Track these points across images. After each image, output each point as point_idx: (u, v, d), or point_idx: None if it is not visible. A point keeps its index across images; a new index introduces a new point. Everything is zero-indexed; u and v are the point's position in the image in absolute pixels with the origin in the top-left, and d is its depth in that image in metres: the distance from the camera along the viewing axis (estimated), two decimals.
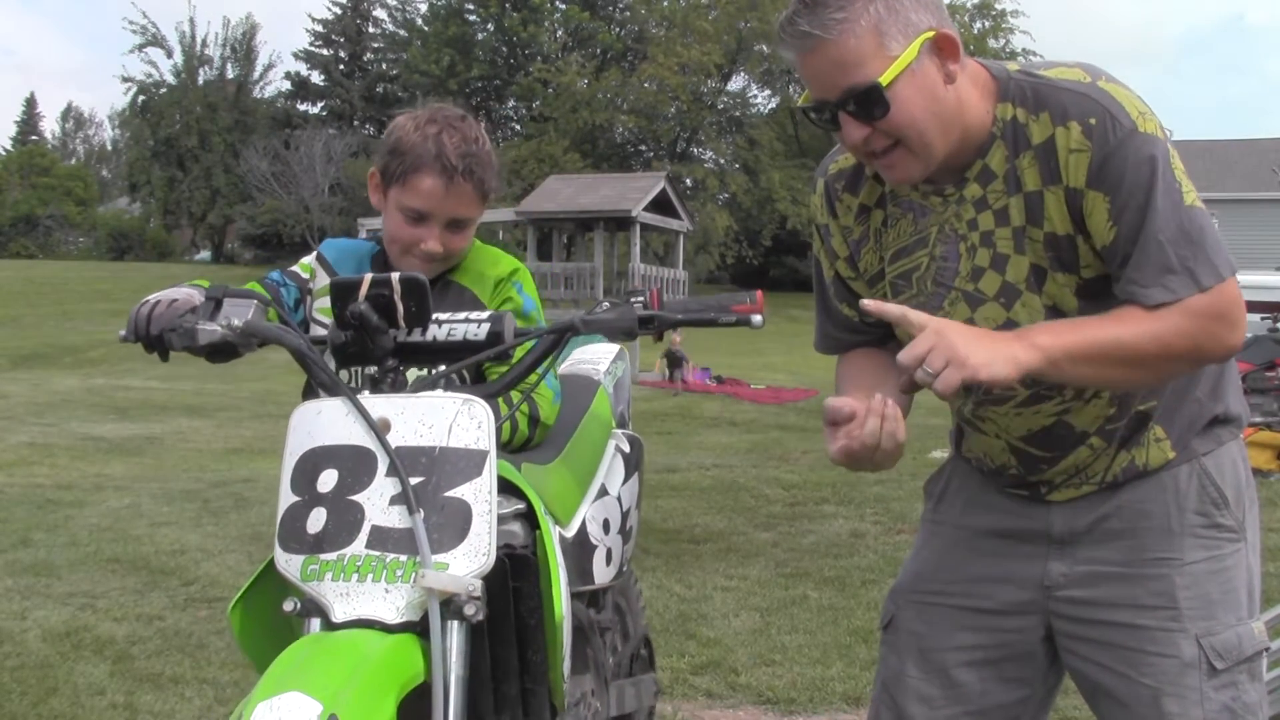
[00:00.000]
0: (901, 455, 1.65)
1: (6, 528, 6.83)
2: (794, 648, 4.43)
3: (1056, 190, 1.66)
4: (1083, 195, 1.64)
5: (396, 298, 1.74)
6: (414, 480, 1.61)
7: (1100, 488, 1.80)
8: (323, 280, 2.27)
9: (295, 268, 2.31)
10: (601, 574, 2.25)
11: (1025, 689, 1.89)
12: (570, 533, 2.14)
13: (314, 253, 2.34)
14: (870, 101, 1.61)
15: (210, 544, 6.45)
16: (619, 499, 2.38)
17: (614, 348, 2.76)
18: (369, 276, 1.76)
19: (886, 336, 1.90)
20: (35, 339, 25.24)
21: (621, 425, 2.63)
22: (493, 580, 1.68)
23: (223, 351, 1.81)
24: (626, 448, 2.51)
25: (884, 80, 1.60)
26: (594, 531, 2.24)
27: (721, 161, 44.93)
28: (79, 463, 10.05)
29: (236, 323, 1.77)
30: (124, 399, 15.55)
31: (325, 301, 2.23)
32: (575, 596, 1.89)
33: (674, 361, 17.20)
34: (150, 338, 1.83)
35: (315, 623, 1.59)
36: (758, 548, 6.26)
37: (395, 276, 1.75)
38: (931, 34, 1.62)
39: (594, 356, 2.69)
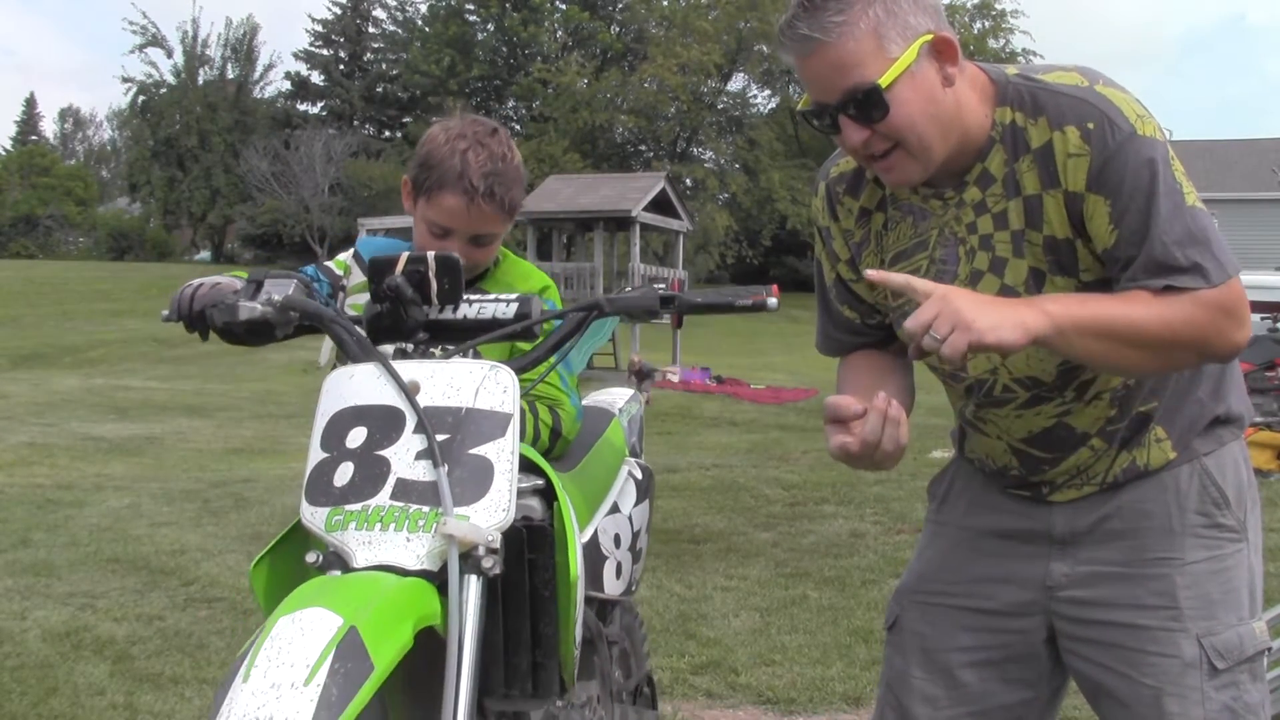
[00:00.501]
0: (902, 457, 1.65)
1: (6, 528, 6.83)
2: (794, 648, 4.43)
3: (1055, 194, 1.66)
4: (1083, 199, 1.64)
5: (431, 274, 1.81)
6: (440, 437, 1.67)
7: (1101, 488, 1.80)
8: (358, 278, 2.32)
9: (330, 263, 2.36)
10: (611, 585, 2.28)
11: (1029, 690, 1.89)
12: (583, 539, 2.16)
13: (350, 250, 2.39)
14: (869, 104, 1.62)
15: (210, 544, 6.45)
16: (630, 518, 2.44)
17: (628, 391, 2.92)
18: (405, 253, 1.82)
19: (888, 338, 1.91)
20: (35, 339, 25.24)
21: (634, 455, 2.71)
22: (509, 550, 1.73)
23: (261, 332, 1.87)
24: (639, 474, 2.58)
25: (883, 82, 1.60)
26: (605, 543, 2.29)
27: (721, 161, 44.96)
28: (79, 463, 10.05)
29: (276, 298, 1.84)
30: (124, 399, 15.55)
31: (357, 298, 2.26)
32: (585, 604, 1.91)
33: (641, 376, 17.16)
34: (192, 315, 1.90)
35: (336, 574, 1.63)
36: (758, 548, 6.27)
37: (430, 254, 1.82)
38: (930, 37, 1.63)
39: (610, 398, 2.83)
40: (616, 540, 2.33)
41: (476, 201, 2.17)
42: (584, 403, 2.66)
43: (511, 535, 1.69)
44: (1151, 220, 1.60)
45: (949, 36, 1.64)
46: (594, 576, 2.20)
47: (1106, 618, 1.78)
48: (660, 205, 22.90)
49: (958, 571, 1.92)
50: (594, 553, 2.22)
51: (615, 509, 2.40)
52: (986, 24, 42.88)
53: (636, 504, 2.49)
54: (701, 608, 5.00)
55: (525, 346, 2.00)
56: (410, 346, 1.82)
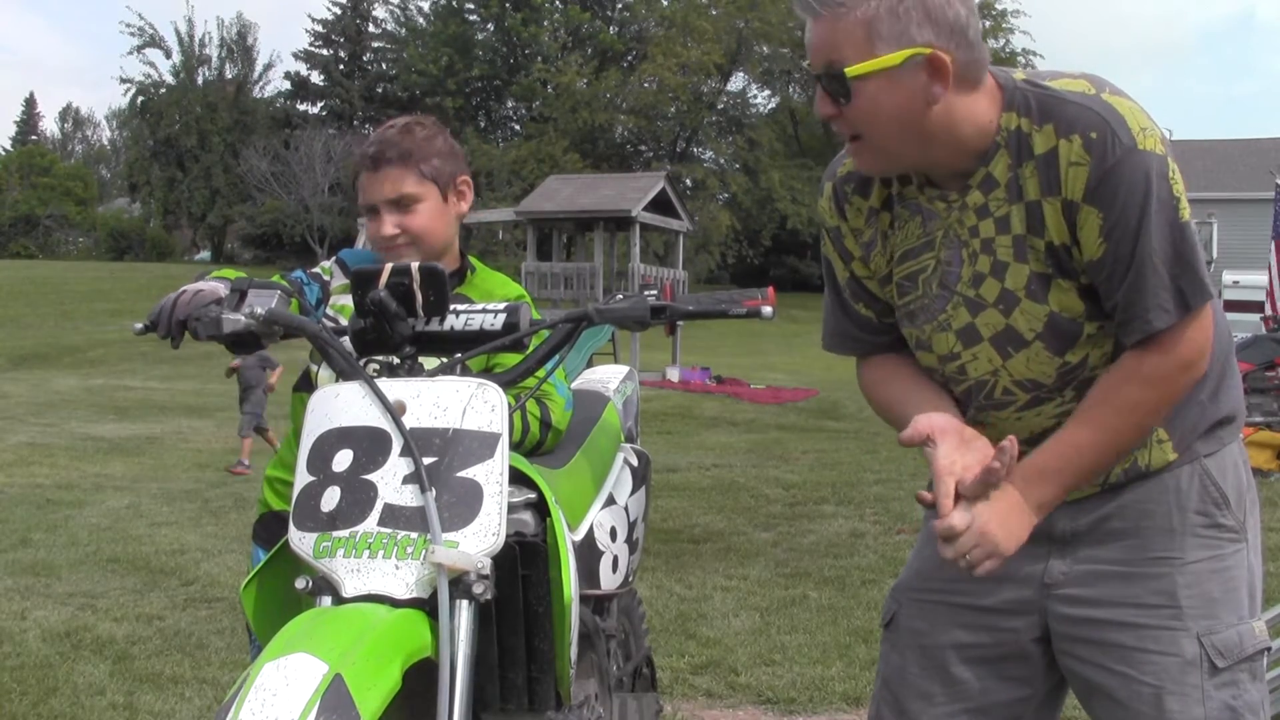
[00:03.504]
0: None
1: (6, 528, 6.84)
2: (794, 648, 4.43)
3: (1054, 201, 1.67)
4: (1078, 209, 1.65)
5: (415, 286, 1.78)
6: (427, 460, 1.65)
7: (1103, 488, 1.80)
8: (340, 279, 2.35)
9: (316, 269, 2.40)
10: (608, 580, 2.26)
11: (1025, 688, 1.89)
12: (578, 536, 2.15)
13: (333, 259, 2.44)
14: (835, 85, 1.66)
15: (210, 544, 6.45)
16: (626, 509, 2.42)
17: (624, 369, 2.87)
18: (389, 265, 1.80)
19: (901, 338, 1.90)
20: (35, 339, 25.24)
21: (630, 440, 2.68)
22: (502, 567, 1.71)
23: (246, 343, 1.85)
24: (635, 461, 2.55)
25: (850, 71, 1.63)
26: (601, 538, 2.26)
27: (721, 161, 44.96)
28: (79, 463, 10.05)
29: (260, 311, 1.82)
30: (124, 399, 15.55)
31: (340, 299, 2.27)
32: (581, 601, 1.90)
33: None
34: (174, 325, 1.88)
35: (326, 600, 1.62)
36: (758, 548, 6.27)
37: (415, 266, 1.80)
38: (926, 51, 1.63)
39: (604, 376, 2.78)
40: (613, 534, 2.31)
41: (379, 165, 2.26)
42: (576, 384, 2.65)
43: (504, 552, 1.67)
44: (1141, 239, 1.62)
45: (943, 58, 1.63)
46: (590, 574, 2.19)
47: (1105, 616, 1.78)
48: (660, 205, 22.88)
49: (956, 569, 1.91)
50: (589, 549, 2.21)
51: (611, 500, 2.37)
52: (986, 24, 42.84)
53: (633, 493, 2.46)
54: (701, 608, 5.01)
55: (511, 359, 1.98)
56: (396, 360, 1.80)
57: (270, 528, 2.38)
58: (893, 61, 1.62)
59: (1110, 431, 1.69)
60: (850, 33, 1.63)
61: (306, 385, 2.36)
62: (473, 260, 2.44)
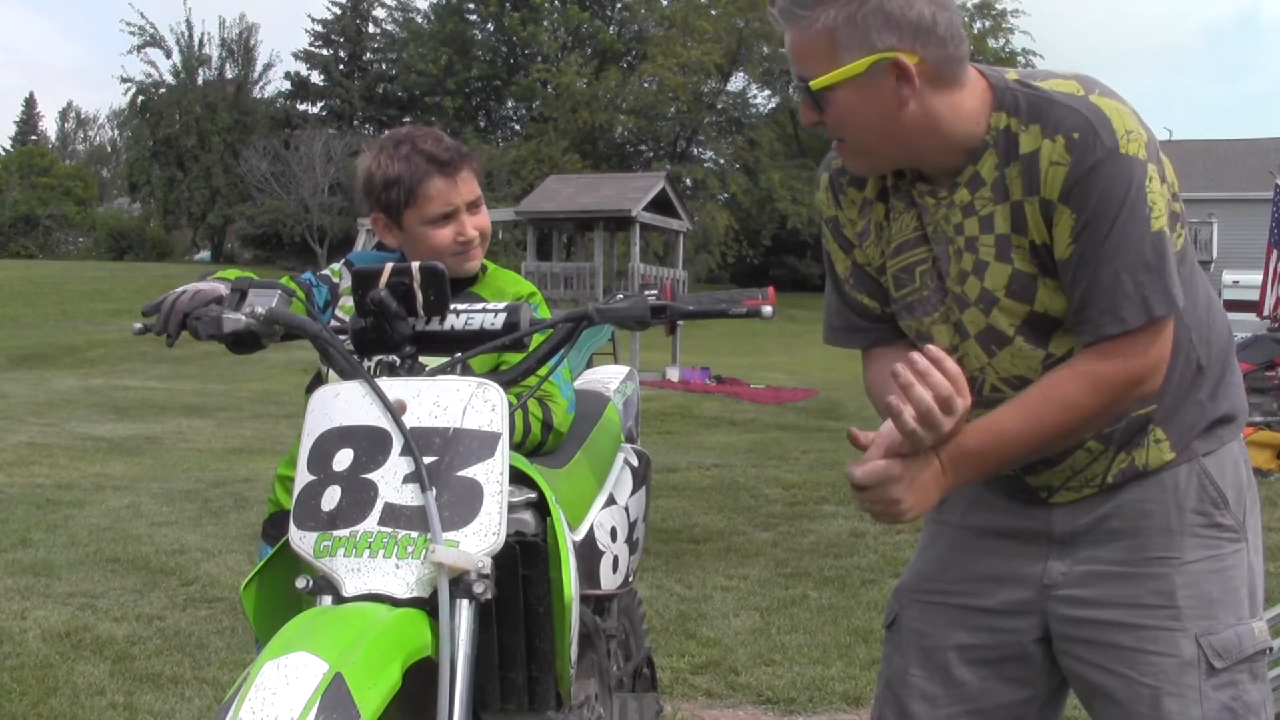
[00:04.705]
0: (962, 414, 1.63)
1: (6, 528, 6.83)
2: (794, 648, 4.43)
3: (1034, 201, 1.68)
4: (1054, 208, 1.66)
5: (416, 285, 1.79)
6: (427, 460, 1.65)
7: (1100, 489, 1.80)
8: (348, 283, 2.34)
9: (325, 271, 2.41)
10: (608, 580, 2.27)
11: (1027, 689, 1.89)
12: (578, 536, 2.15)
13: (342, 261, 2.44)
14: (808, 95, 1.69)
15: (210, 544, 6.45)
16: (626, 509, 2.42)
17: (624, 369, 2.89)
18: (389, 265, 1.80)
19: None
20: (35, 339, 25.23)
21: (630, 440, 2.68)
22: (503, 567, 1.71)
23: (246, 342, 1.86)
24: (635, 461, 2.56)
25: (815, 84, 1.65)
26: (601, 538, 2.27)
27: (721, 161, 44.95)
28: (79, 463, 10.05)
29: (260, 310, 1.82)
30: (124, 399, 15.54)
31: (349, 300, 2.28)
32: (582, 601, 1.90)
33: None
34: (174, 324, 1.88)
35: (327, 600, 1.62)
36: (758, 548, 6.27)
37: (415, 265, 1.80)
38: (889, 56, 1.63)
39: (605, 376, 2.79)
40: (613, 534, 2.31)
41: (456, 168, 2.27)
42: (577, 384, 2.65)
43: (505, 551, 1.67)
44: (1107, 243, 1.62)
45: (906, 63, 1.63)
46: (590, 574, 2.19)
47: (1104, 617, 1.78)
48: (660, 205, 22.89)
49: (957, 570, 1.92)
50: (590, 549, 2.21)
51: (611, 500, 2.38)
52: (986, 24, 42.85)
53: (633, 493, 2.47)
54: (701, 608, 5.01)
55: (515, 358, 1.99)
56: (397, 360, 1.80)
57: (281, 526, 2.39)
58: (856, 70, 1.64)
59: (1039, 425, 1.67)
60: (815, 44, 1.65)
61: (319, 386, 2.37)
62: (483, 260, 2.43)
